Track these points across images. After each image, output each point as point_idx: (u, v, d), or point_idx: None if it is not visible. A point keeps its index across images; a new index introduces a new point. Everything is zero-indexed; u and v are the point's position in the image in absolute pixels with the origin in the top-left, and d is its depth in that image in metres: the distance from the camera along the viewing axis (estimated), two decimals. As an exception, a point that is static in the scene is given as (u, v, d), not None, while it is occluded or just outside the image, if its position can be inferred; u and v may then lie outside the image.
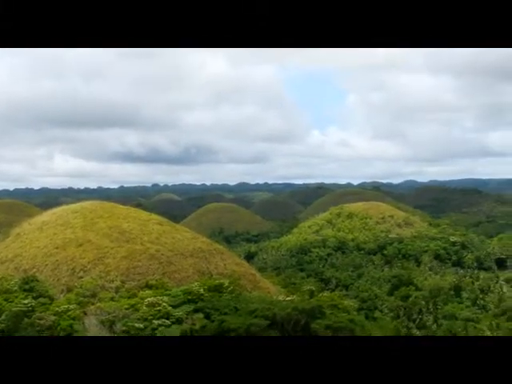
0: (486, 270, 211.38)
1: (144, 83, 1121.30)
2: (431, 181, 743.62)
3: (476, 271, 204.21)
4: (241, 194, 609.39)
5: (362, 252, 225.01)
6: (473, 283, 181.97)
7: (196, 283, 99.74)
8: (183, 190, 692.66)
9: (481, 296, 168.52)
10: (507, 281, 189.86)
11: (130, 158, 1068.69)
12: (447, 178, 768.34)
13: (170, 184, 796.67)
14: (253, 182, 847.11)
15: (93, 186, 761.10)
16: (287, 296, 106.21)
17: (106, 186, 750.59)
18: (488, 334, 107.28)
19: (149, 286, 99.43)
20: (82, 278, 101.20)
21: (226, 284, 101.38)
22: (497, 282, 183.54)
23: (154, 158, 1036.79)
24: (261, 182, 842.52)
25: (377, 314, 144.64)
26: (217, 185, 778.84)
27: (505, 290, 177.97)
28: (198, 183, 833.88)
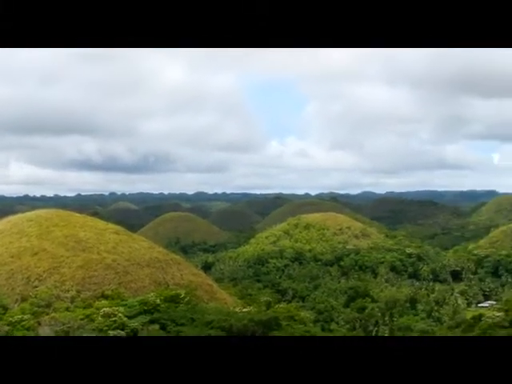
0: (441, 282, 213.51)
1: (101, 88, 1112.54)
2: (388, 192, 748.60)
3: (431, 283, 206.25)
4: (198, 204, 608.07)
5: (319, 263, 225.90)
6: (428, 295, 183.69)
7: (152, 293, 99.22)
8: (140, 198, 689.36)
9: (436, 308, 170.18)
10: (462, 293, 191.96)
11: (87, 165, 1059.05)
12: (404, 190, 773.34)
13: (127, 193, 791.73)
14: (211, 191, 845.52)
15: (49, 193, 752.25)
16: (244, 307, 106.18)
17: (62, 194, 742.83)
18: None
19: (105, 296, 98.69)
20: (36, 287, 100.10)
21: (183, 295, 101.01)
22: (452, 295, 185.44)
23: (111, 166, 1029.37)
24: (219, 191, 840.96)
25: (333, 325, 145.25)
26: (174, 194, 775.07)
27: (459, 302, 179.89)
28: (156, 192, 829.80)
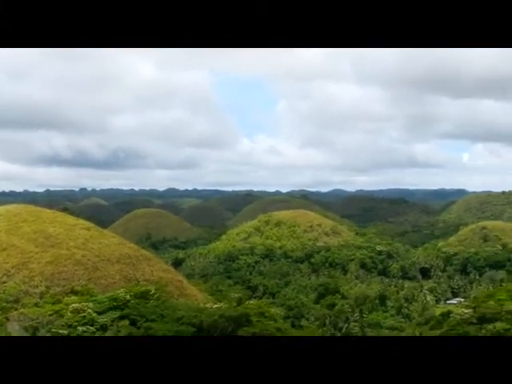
0: (410, 279, 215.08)
1: (71, 84, 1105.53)
2: (359, 190, 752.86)
3: (401, 280, 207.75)
4: (169, 200, 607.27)
5: (290, 260, 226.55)
6: (398, 292, 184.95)
7: (122, 289, 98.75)
8: (111, 194, 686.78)
9: (405, 305, 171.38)
10: (431, 290, 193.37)
11: (56, 161, 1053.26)
12: (375, 188, 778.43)
13: (97, 188, 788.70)
14: (182, 187, 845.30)
15: (18, 189, 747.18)
16: (214, 303, 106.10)
17: (31, 190, 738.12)
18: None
19: (74, 292, 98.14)
20: (5, 283, 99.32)
21: (153, 291, 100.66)
22: (421, 291, 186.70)
23: (81, 161, 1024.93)
24: (190, 188, 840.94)
25: (303, 322, 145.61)
26: (145, 190, 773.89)
27: (428, 299, 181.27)
28: (127, 188, 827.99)
